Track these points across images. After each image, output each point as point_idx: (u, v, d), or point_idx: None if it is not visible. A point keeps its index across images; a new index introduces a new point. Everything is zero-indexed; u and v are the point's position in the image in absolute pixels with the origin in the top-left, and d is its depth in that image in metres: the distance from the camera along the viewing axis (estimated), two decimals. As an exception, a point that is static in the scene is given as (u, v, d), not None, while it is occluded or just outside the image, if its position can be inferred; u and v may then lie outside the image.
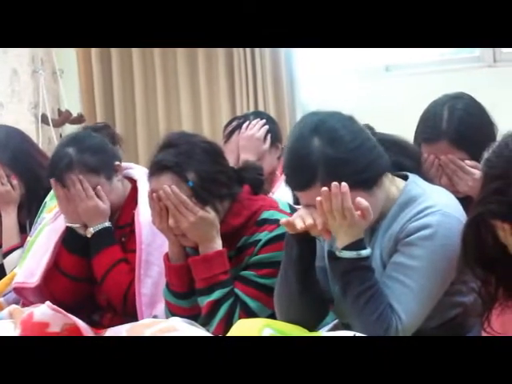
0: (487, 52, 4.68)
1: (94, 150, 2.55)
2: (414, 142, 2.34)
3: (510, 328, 1.64)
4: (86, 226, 2.56)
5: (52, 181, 2.54)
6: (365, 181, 1.86)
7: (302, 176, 1.88)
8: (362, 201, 1.81)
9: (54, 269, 2.61)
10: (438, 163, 2.30)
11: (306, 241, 1.95)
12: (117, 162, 2.59)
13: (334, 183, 1.80)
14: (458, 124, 2.32)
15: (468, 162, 2.26)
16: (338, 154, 1.84)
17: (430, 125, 2.37)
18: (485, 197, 1.54)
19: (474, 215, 1.57)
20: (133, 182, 2.66)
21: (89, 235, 2.56)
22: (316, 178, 1.84)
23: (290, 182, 1.93)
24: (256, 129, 3.19)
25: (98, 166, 2.53)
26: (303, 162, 1.86)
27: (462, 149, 2.29)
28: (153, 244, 2.48)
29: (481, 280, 1.65)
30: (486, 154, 1.60)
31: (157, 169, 2.25)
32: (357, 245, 1.85)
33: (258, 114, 3.42)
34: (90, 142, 2.59)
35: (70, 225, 2.58)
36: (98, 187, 2.50)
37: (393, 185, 1.96)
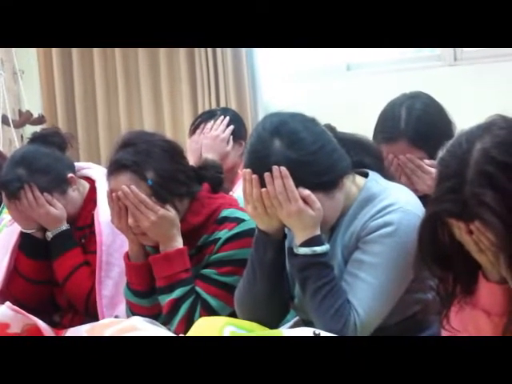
0: (448, 51, 4.71)
1: (44, 171, 2.53)
2: (374, 140, 2.34)
3: (468, 324, 1.65)
4: (43, 230, 2.56)
5: (3, 197, 2.56)
6: (325, 184, 1.86)
7: (261, 177, 1.87)
8: (302, 190, 1.82)
9: (13, 272, 2.61)
10: (397, 163, 2.31)
11: (280, 242, 1.96)
12: (70, 174, 2.58)
13: (274, 167, 1.81)
14: (416, 124, 2.33)
15: (427, 161, 2.27)
16: (298, 157, 1.84)
17: (389, 125, 2.38)
18: (439, 195, 1.55)
19: (430, 214, 1.58)
20: (91, 181, 2.66)
21: (48, 239, 2.55)
22: (275, 178, 1.85)
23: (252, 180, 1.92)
24: (221, 129, 3.19)
25: (50, 185, 2.52)
26: (263, 164, 1.86)
27: (421, 148, 2.30)
28: (113, 245, 2.48)
29: (438, 278, 1.66)
30: (440, 153, 1.61)
31: (115, 168, 2.24)
32: (313, 241, 1.85)
33: (224, 111, 3.42)
34: (40, 162, 2.56)
35: (24, 230, 2.57)
36: (45, 194, 2.49)
37: (353, 183, 1.96)
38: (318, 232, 1.86)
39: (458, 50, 4.72)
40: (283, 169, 1.82)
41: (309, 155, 1.85)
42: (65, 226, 2.53)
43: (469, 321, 1.65)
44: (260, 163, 1.87)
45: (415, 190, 2.14)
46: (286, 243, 2.00)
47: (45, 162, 2.56)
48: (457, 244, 1.56)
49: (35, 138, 2.72)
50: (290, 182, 1.82)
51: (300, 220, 1.84)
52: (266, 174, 1.83)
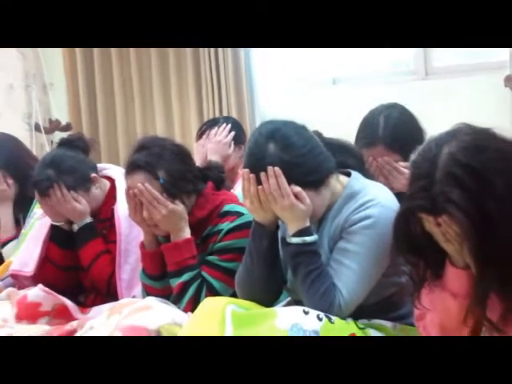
0: (420, 66, 4.73)
1: (70, 171, 2.53)
2: (356, 145, 2.34)
3: (437, 304, 1.64)
4: (70, 222, 2.56)
5: (35, 194, 2.56)
6: (313, 182, 1.86)
7: (257, 176, 1.87)
8: (294, 187, 1.83)
9: (44, 260, 2.61)
10: (376, 165, 2.31)
11: (274, 233, 1.96)
12: (92, 174, 2.59)
13: (269, 167, 1.82)
14: (393, 131, 2.33)
15: (401, 163, 2.27)
16: (290, 158, 1.84)
17: (369, 131, 2.38)
18: (412, 193, 1.54)
19: (404, 209, 1.58)
20: (111, 180, 2.66)
21: (74, 230, 2.55)
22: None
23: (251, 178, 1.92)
24: (223, 135, 3.18)
25: (75, 184, 2.52)
26: (260, 164, 1.86)
27: (396, 152, 2.30)
28: (130, 235, 2.48)
29: (411, 264, 1.66)
30: (413, 156, 1.61)
31: (132, 168, 2.24)
32: (303, 232, 1.85)
33: (226, 119, 3.42)
34: (67, 164, 2.56)
35: (54, 223, 2.57)
36: (71, 191, 2.50)
37: (338, 182, 1.95)
38: (308, 224, 1.86)
39: (429, 65, 4.72)
40: (277, 169, 1.82)
41: (299, 157, 1.85)
42: (88, 219, 2.54)
43: (438, 301, 1.64)
44: (257, 164, 1.87)
45: (391, 188, 2.13)
46: (280, 233, 2.00)
47: (71, 163, 2.56)
48: (427, 235, 1.56)
49: (63, 143, 2.73)
50: (283, 180, 1.82)
51: (292, 213, 1.84)
52: (262, 174, 1.83)
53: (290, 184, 1.83)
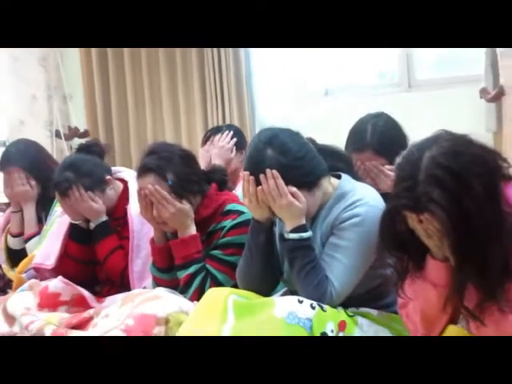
0: (404, 79, 4.73)
1: (87, 174, 2.54)
2: (346, 150, 2.34)
3: (419, 294, 1.65)
4: (87, 221, 2.55)
5: (56, 194, 2.56)
6: (307, 183, 1.87)
7: (257, 178, 1.87)
8: (290, 187, 1.83)
9: (64, 254, 2.61)
10: (364, 168, 2.31)
11: (270, 229, 1.96)
12: (107, 177, 2.58)
13: (267, 170, 1.82)
14: (379, 137, 2.33)
15: (387, 166, 2.26)
16: (286, 162, 1.85)
17: (358, 138, 2.37)
18: (397, 193, 1.55)
19: (389, 208, 1.58)
20: (124, 182, 2.65)
21: (91, 228, 2.55)
22: None
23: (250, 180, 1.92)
24: (226, 141, 3.18)
25: (92, 185, 2.52)
26: (259, 167, 1.86)
27: (383, 156, 2.30)
28: (141, 232, 2.48)
29: (395, 257, 1.66)
30: (397, 160, 1.61)
31: (143, 171, 2.25)
32: (300, 229, 1.86)
33: (229, 127, 3.42)
34: (84, 167, 2.56)
35: (73, 221, 2.57)
36: (88, 192, 2.50)
37: (329, 183, 1.95)
38: (304, 221, 1.87)
39: (412, 78, 4.72)
40: (274, 171, 1.82)
41: (295, 160, 1.85)
42: (104, 218, 2.54)
43: (419, 291, 1.64)
44: (256, 167, 1.87)
45: (378, 189, 2.14)
46: (277, 230, 2.00)
47: (88, 166, 2.56)
48: (410, 231, 1.56)
49: (81, 148, 2.73)
50: (281, 181, 1.82)
51: (290, 211, 1.85)
52: (261, 175, 1.83)
53: (287, 185, 1.83)
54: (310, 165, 1.89)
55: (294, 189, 1.84)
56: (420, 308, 1.66)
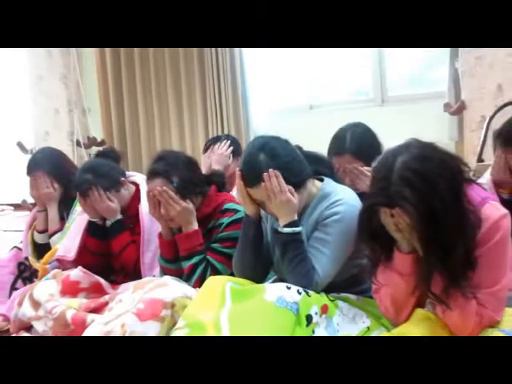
0: (377, 95, 4.74)
1: (104, 175, 2.52)
2: (328, 155, 2.34)
3: (388, 281, 1.65)
4: (104, 219, 2.54)
5: (77, 194, 2.54)
6: (295, 184, 1.86)
7: (251, 178, 1.87)
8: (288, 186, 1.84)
9: (83, 248, 2.59)
10: (343, 170, 2.30)
11: (259, 224, 1.96)
12: (122, 178, 2.57)
13: (270, 169, 1.82)
14: (357, 143, 2.33)
15: (366, 168, 2.26)
16: (276, 165, 1.84)
17: (338, 143, 2.37)
18: (373, 193, 1.55)
19: (366, 205, 1.59)
20: (136, 185, 2.64)
21: (107, 225, 2.53)
22: (260, 179, 1.84)
23: (243, 182, 1.91)
24: (224, 149, 3.17)
25: (109, 186, 2.50)
26: (253, 170, 1.86)
27: (360, 159, 2.29)
28: (151, 228, 2.46)
29: (370, 248, 1.66)
30: (373, 164, 1.61)
31: (152, 175, 2.24)
32: (293, 224, 1.85)
33: (227, 137, 3.40)
34: (102, 169, 2.55)
35: (91, 219, 2.56)
36: (107, 192, 2.48)
37: (313, 185, 1.95)
38: (296, 217, 1.86)
39: (385, 94, 4.74)
40: (276, 171, 1.82)
41: (283, 164, 1.85)
42: (119, 216, 2.52)
43: (389, 278, 1.65)
44: (250, 169, 1.87)
45: (356, 189, 2.14)
46: (268, 226, 2.00)
47: (105, 169, 2.55)
48: (382, 226, 1.57)
49: (99, 154, 2.73)
50: (281, 180, 1.82)
51: (287, 206, 1.84)
52: (265, 174, 1.83)
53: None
54: (297, 168, 1.88)
55: (290, 187, 1.83)
56: (390, 293, 1.66)
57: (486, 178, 2.38)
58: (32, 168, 2.92)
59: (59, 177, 2.90)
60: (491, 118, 3.96)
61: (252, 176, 1.86)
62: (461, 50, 4.38)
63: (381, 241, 1.61)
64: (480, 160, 3.79)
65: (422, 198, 1.45)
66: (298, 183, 1.86)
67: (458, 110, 4.37)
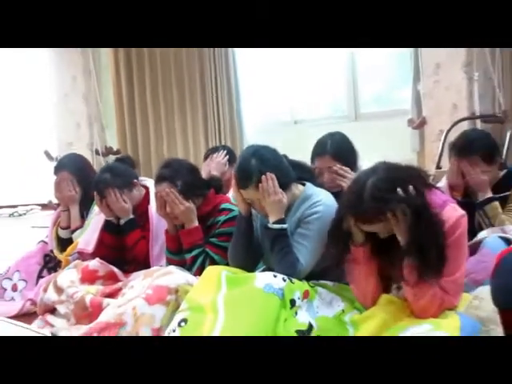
0: (351, 112, 4.76)
1: (120, 175, 2.49)
2: (311, 159, 2.32)
3: (350, 271, 1.69)
4: (117, 218, 2.51)
5: (95, 194, 2.50)
6: (281, 185, 1.86)
7: (244, 180, 1.87)
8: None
9: (100, 242, 2.56)
10: (328, 168, 2.28)
11: (250, 220, 1.95)
12: (134, 180, 2.55)
13: (268, 173, 1.83)
14: (336, 146, 2.31)
15: (344, 167, 2.24)
16: (265, 169, 1.84)
17: (320, 147, 2.34)
18: (347, 206, 1.60)
19: (340, 213, 1.64)
20: (146, 188, 2.62)
21: (121, 224, 2.50)
22: (251, 182, 1.85)
23: (237, 184, 1.91)
24: (221, 158, 3.17)
25: (123, 184, 2.48)
26: (245, 174, 1.86)
27: (338, 161, 2.27)
28: (159, 225, 2.43)
29: (338, 244, 1.68)
30: (349, 182, 1.66)
31: (159, 179, 2.23)
32: (281, 221, 1.85)
33: (223, 147, 3.40)
34: (118, 170, 2.53)
35: (107, 218, 2.53)
36: (122, 194, 2.45)
37: (296, 188, 1.95)
38: (283, 215, 1.86)
39: (358, 111, 4.77)
40: (272, 175, 1.83)
41: (272, 168, 1.85)
42: (131, 216, 2.48)
43: (350, 267, 1.68)
44: (242, 173, 1.87)
45: (334, 187, 2.13)
46: (258, 224, 1.99)
47: (121, 170, 2.53)
48: (348, 229, 1.62)
49: (117, 160, 2.74)
50: (276, 183, 1.83)
51: (278, 206, 1.84)
52: (263, 177, 1.83)
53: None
54: (283, 172, 1.88)
55: (281, 190, 1.84)
56: (353, 279, 1.68)
57: (443, 182, 2.39)
58: (59, 168, 2.90)
59: (81, 177, 2.87)
60: (448, 131, 3.98)
61: (244, 179, 1.86)
62: (421, 74, 4.41)
63: (344, 239, 1.64)
64: (438, 167, 3.81)
65: (388, 206, 1.49)
66: (283, 185, 1.86)
67: (419, 125, 4.39)
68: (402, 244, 1.53)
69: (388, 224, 1.53)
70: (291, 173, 1.91)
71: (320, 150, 2.33)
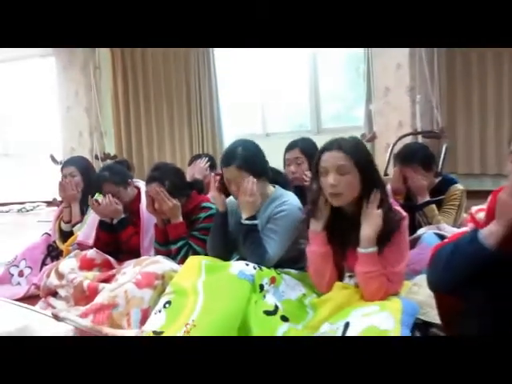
0: (314, 127, 4.79)
1: (117, 173, 2.45)
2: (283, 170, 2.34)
3: (311, 260, 1.68)
4: (111, 218, 2.45)
5: (90, 199, 2.42)
6: (261, 172, 1.88)
7: (227, 159, 1.87)
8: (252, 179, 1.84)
9: (97, 238, 2.48)
10: (293, 171, 2.29)
11: (226, 215, 1.94)
12: (129, 180, 2.50)
13: (251, 177, 1.83)
14: (302, 143, 2.38)
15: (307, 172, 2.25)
16: (248, 154, 1.86)
17: (289, 146, 2.42)
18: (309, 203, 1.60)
19: (307, 210, 1.64)
20: (137, 189, 2.57)
21: (114, 223, 2.43)
22: (234, 161, 1.85)
23: (222, 162, 1.91)
24: (203, 164, 3.14)
25: (119, 181, 2.43)
26: (230, 154, 1.88)
27: (307, 157, 2.30)
28: (149, 222, 2.38)
29: (305, 237, 1.68)
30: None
31: (150, 180, 2.20)
32: (252, 218, 1.84)
33: (206, 155, 3.37)
34: (116, 169, 2.49)
35: (102, 218, 2.46)
36: (117, 191, 2.39)
37: (269, 189, 1.95)
38: (255, 213, 1.85)
39: (320, 126, 4.80)
40: (254, 180, 1.83)
41: (254, 157, 1.89)
42: (123, 215, 2.42)
43: (310, 257, 1.68)
44: (227, 154, 1.89)
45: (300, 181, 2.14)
46: (233, 220, 1.97)
47: (118, 169, 2.51)
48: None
49: (117, 162, 2.71)
50: (254, 187, 1.83)
51: (251, 205, 1.84)
52: (246, 180, 1.82)
53: (249, 175, 1.83)
54: (261, 160, 1.91)
55: (257, 194, 1.83)
56: (313, 266, 1.68)
57: (388, 188, 2.42)
58: (67, 164, 2.86)
59: (84, 175, 2.82)
60: (394, 145, 4.04)
61: (228, 158, 1.86)
62: (373, 96, 4.46)
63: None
64: (386, 174, 3.86)
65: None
66: (259, 173, 1.86)
67: (371, 139, 4.45)
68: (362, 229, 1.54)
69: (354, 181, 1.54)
70: (267, 166, 1.92)
71: (289, 148, 2.39)
